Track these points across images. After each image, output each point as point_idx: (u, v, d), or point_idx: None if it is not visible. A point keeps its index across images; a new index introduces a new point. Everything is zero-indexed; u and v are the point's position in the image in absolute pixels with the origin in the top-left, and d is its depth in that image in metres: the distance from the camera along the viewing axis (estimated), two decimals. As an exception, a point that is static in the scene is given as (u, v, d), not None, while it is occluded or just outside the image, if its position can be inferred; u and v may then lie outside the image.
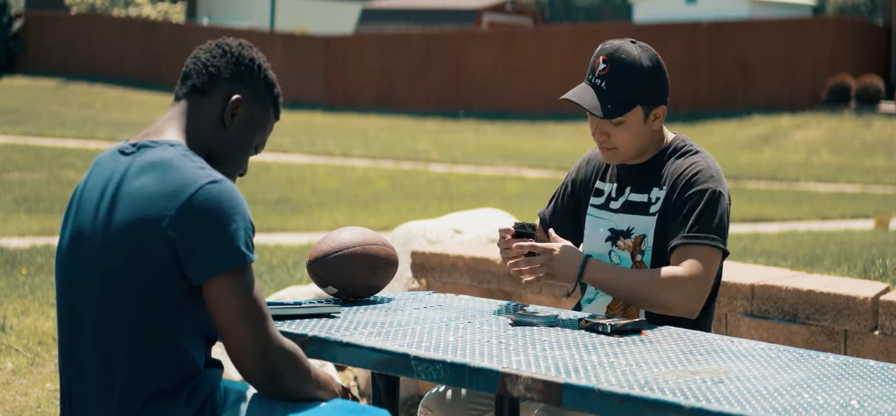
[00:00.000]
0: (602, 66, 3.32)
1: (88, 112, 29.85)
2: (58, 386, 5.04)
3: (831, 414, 2.33)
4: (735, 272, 4.48)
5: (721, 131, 28.77)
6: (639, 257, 3.36)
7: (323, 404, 2.66)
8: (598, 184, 3.51)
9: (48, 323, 6.39)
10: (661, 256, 3.33)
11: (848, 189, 19.10)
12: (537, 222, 3.61)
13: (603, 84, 3.32)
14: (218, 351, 4.18)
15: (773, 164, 23.06)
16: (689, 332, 3.12)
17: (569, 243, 3.31)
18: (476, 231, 5.55)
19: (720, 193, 3.31)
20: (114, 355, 2.58)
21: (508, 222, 5.66)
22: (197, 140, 2.70)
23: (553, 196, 3.64)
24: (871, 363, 2.81)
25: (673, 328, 3.15)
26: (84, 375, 2.63)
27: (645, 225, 3.36)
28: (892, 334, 4.01)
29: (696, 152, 3.39)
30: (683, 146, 3.41)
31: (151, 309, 2.56)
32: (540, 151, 23.99)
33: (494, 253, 5.01)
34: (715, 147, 26.28)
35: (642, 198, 3.39)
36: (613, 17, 55.03)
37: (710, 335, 3.09)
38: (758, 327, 4.26)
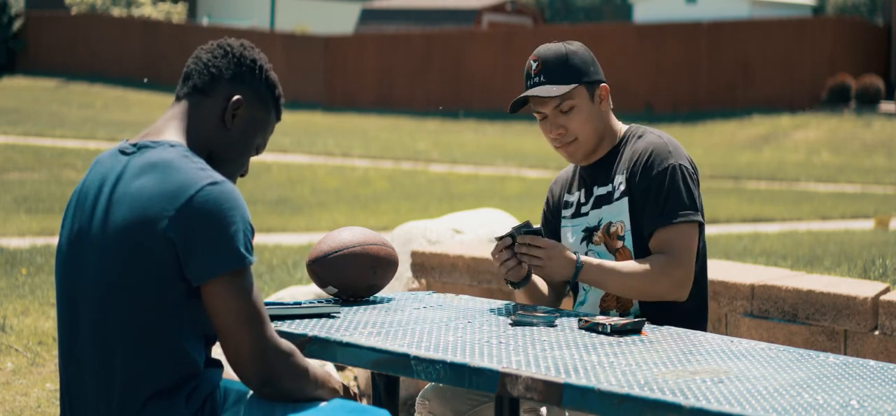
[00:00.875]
0: (534, 65, 3.46)
1: (88, 112, 29.85)
2: (58, 386, 5.04)
3: (831, 414, 2.33)
4: (735, 272, 4.48)
5: (721, 131, 28.77)
6: (619, 244, 3.42)
7: (323, 404, 2.66)
8: (566, 197, 3.59)
9: (48, 323, 6.39)
10: (641, 238, 3.40)
11: (848, 189, 19.10)
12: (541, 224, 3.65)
13: (541, 79, 3.44)
14: (218, 351, 4.18)
15: (773, 164, 23.05)
16: (689, 332, 3.12)
17: (565, 247, 3.38)
18: (476, 231, 5.55)
19: (681, 165, 3.37)
20: (113, 354, 2.58)
21: (508, 222, 5.67)
22: (197, 141, 2.69)
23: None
24: (871, 363, 2.81)
25: (673, 328, 3.16)
26: (84, 374, 2.63)
27: (611, 213, 3.43)
28: (892, 334, 4.01)
29: (651, 133, 3.47)
30: (637, 131, 3.50)
31: (151, 309, 2.56)
32: (540, 151, 23.99)
33: (494, 253, 5.01)
34: (715, 147, 26.28)
35: (607, 189, 3.46)
36: (613, 17, 55.03)
37: (710, 335, 3.09)
38: (758, 327, 4.26)
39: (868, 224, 13.76)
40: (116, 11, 42.17)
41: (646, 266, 3.32)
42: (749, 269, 4.61)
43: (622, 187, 3.41)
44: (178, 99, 2.74)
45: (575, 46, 3.46)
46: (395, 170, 20.25)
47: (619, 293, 3.37)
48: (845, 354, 3.96)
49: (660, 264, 3.32)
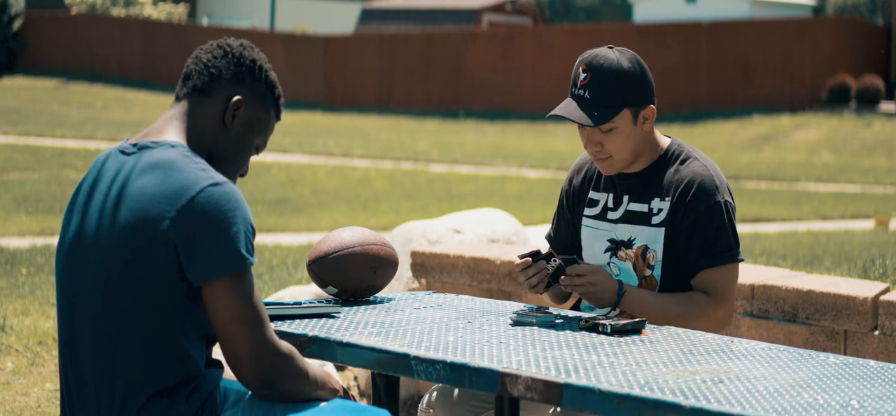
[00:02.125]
0: (582, 75, 3.30)
1: (88, 112, 29.84)
2: (58, 386, 5.04)
3: (831, 414, 2.33)
4: (735, 272, 4.47)
5: (721, 131, 28.77)
6: (648, 272, 3.35)
7: (323, 404, 2.66)
8: (592, 194, 3.49)
9: (48, 323, 6.39)
10: (672, 270, 3.33)
11: (848, 189, 19.10)
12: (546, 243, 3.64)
13: (586, 93, 3.29)
14: (218, 351, 4.18)
15: (773, 164, 23.06)
16: (689, 332, 3.12)
17: (605, 271, 3.31)
18: (476, 231, 5.55)
19: (726, 202, 3.31)
20: (114, 354, 2.58)
21: (509, 222, 5.66)
22: (198, 141, 2.69)
23: (555, 214, 3.63)
24: (871, 363, 2.81)
25: (673, 328, 3.15)
26: (84, 375, 2.63)
27: (647, 236, 3.35)
28: (892, 334, 4.01)
29: (696, 160, 3.36)
30: (682, 153, 3.39)
31: (152, 309, 2.56)
32: (540, 151, 23.99)
33: (494, 253, 5.01)
34: (715, 147, 26.27)
35: (642, 207, 3.37)
36: (613, 17, 55.03)
37: (710, 335, 3.09)
38: (758, 327, 4.26)
39: (868, 224, 13.76)
40: (116, 11, 42.17)
41: (688, 303, 3.28)
42: (749, 269, 4.61)
43: (663, 216, 3.32)
44: (178, 99, 2.74)
45: (628, 61, 3.30)
46: (395, 170, 20.25)
47: (657, 324, 3.26)
48: (845, 354, 3.96)
49: (702, 303, 3.28)
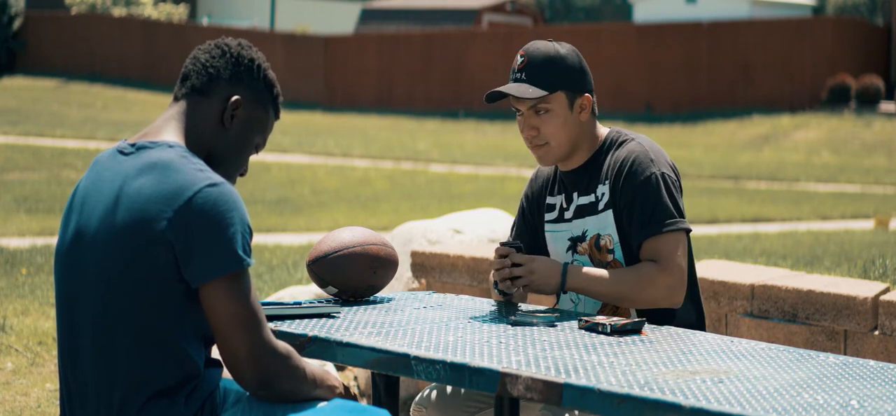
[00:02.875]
0: (519, 60, 3.41)
1: (88, 112, 29.85)
2: (58, 386, 5.04)
3: (831, 414, 2.33)
4: (735, 272, 4.48)
5: (721, 131, 28.77)
6: (610, 258, 3.38)
7: (323, 403, 2.66)
8: (549, 199, 3.54)
9: (48, 323, 6.39)
10: (630, 249, 3.36)
11: (848, 189, 19.10)
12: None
13: (523, 76, 3.39)
14: (216, 352, 4.18)
15: (773, 164, 23.06)
16: (689, 332, 3.12)
17: (546, 257, 3.36)
18: (476, 231, 5.55)
19: (663, 173, 3.33)
20: (113, 355, 2.58)
21: (509, 222, 5.67)
22: (196, 141, 2.69)
23: (514, 221, 3.67)
24: (871, 363, 2.81)
25: (673, 328, 3.15)
26: (83, 375, 2.63)
27: (596, 224, 3.39)
28: (892, 334, 4.01)
29: (631, 140, 3.41)
30: (618, 138, 3.44)
31: (151, 310, 2.56)
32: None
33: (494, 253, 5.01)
34: (715, 147, 26.28)
35: (590, 198, 3.42)
36: (613, 17, 55.03)
37: (710, 335, 3.09)
38: (758, 327, 4.26)
39: (868, 224, 13.76)
40: (116, 11, 42.17)
41: (635, 273, 3.29)
42: (749, 269, 4.61)
43: (606, 199, 3.37)
44: (177, 99, 2.74)
45: (566, 51, 3.40)
46: (395, 170, 20.25)
47: (610, 301, 3.32)
48: (845, 354, 3.96)
49: (649, 270, 3.28)
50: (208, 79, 2.71)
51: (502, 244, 3.34)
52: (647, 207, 3.29)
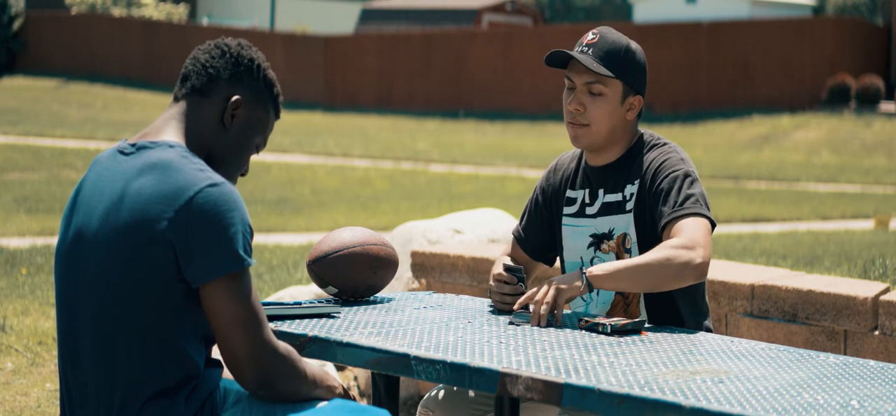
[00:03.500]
0: (591, 36, 3.39)
1: (88, 112, 29.85)
2: (58, 386, 5.04)
3: (831, 414, 2.33)
4: (735, 272, 4.48)
5: (721, 131, 28.77)
6: (626, 256, 3.35)
7: (323, 403, 2.66)
8: (569, 193, 3.50)
9: (48, 323, 6.39)
10: (645, 247, 3.31)
11: (848, 189, 19.10)
12: (507, 245, 3.63)
13: (590, 51, 3.36)
14: (217, 352, 4.18)
15: (773, 164, 23.06)
16: (689, 332, 3.12)
17: (561, 275, 3.23)
18: (476, 231, 5.55)
19: (693, 174, 3.32)
20: (113, 355, 2.58)
21: (509, 222, 5.67)
22: (197, 141, 2.69)
23: (524, 211, 3.62)
24: (871, 363, 2.81)
25: (673, 329, 3.15)
26: (83, 375, 2.63)
27: (624, 223, 3.36)
28: (892, 334, 4.01)
29: (664, 144, 3.41)
30: (651, 140, 3.43)
31: (151, 310, 2.56)
32: (540, 151, 23.99)
33: (494, 253, 5.01)
34: (715, 147, 26.28)
35: (617, 197, 3.39)
36: (613, 17, 55.05)
37: (710, 336, 3.09)
38: (758, 327, 4.26)
39: (868, 224, 13.76)
40: (116, 11, 42.17)
41: (658, 250, 3.16)
42: (749, 269, 4.61)
43: (634, 198, 3.34)
44: (177, 100, 2.74)
45: (635, 48, 3.39)
46: (395, 170, 20.25)
47: (638, 285, 3.18)
48: (845, 354, 3.96)
49: (673, 244, 3.15)
50: (208, 79, 2.71)
51: (506, 268, 3.31)
52: (677, 195, 3.26)
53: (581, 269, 3.18)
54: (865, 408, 2.37)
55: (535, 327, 3.08)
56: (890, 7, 34.68)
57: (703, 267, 3.16)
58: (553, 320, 3.11)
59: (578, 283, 3.13)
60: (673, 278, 3.15)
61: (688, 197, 3.26)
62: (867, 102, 29.17)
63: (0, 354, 5.82)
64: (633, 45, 3.39)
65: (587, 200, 3.44)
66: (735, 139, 27.78)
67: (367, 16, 43.53)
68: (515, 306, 3.17)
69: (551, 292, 3.11)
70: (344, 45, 37.30)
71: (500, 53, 34.44)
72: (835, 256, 8.46)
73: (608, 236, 3.38)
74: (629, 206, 3.35)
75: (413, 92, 35.69)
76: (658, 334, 3.05)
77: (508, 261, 3.45)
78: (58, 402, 4.99)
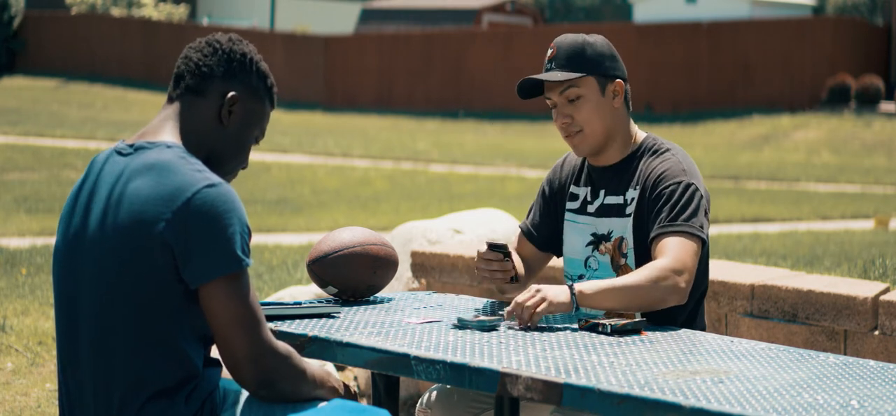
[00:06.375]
0: (550, 51, 3.41)
1: (88, 112, 29.84)
2: (57, 386, 5.04)
3: (831, 414, 2.33)
4: (735, 272, 4.47)
5: (721, 131, 28.77)
6: (622, 261, 3.35)
7: (323, 403, 2.66)
8: (573, 188, 3.50)
9: (48, 323, 6.39)
10: (644, 256, 3.31)
11: (848, 189, 19.10)
12: (514, 239, 3.63)
13: (552, 65, 3.38)
14: (216, 351, 4.18)
15: (773, 164, 23.06)
16: (689, 332, 3.12)
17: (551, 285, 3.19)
18: (476, 231, 5.55)
19: (692, 184, 3.29)
20: (112, 356, 2.58)
21: (509, 222, 5.67)
22: (195, 141, 2.69)
23: (532, 206, 3.63)
24: (871, 363, 2.81)
25: (673, 329, 3.15)
26: (82, 375, 2.63)
27: (622, 227, 3.36)
28: (892, 334, 4.01)
29: (667, 150, 3.39)
30: (654, 145, 3.42)
31: (149, 311, 2.56)
32: (540, 151, 23.98)
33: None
34: (715, 147, 26.27)
35: (618, 200, 3.39)
36: (613, 17, 55.04)
37: (710, 335, 3.09)
38: (758, 327, 4.26)
39: (868, 224, 13.76)
40: (116, 11, 42.17)
41: (642, 276, 3.17)
42: (749, 269, 4.61)
43: (634, 204, 3.34)
44: (172, 100, 2.73)
45: (594, 39, 3.40)
46: (395, 170, 20.25)
47: (622, 308, 3.19)
48: (845, 354, 3.96)
49: (658, 265, 3.17)
50: (202, 78, 2.71)
51: (489, 246, 3.32)
52: (666, 207, 3.25)
53: (570, 285, 3.14)
54: (865, 408, 2.37)
55: (536, 328, 3.07)
56: (890, 7, 34.68)
57: (686, 292, 3.20)
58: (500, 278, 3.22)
59: (567, 300, 3.11)
60: (659, 302, 3.18)
61: (682, 212, 3.25)
62: (867, 102, 29.16)
63: (0, 354, 5.82)
64: (591, 37, 3.40)
65: (588, 199, 3.45)
66: (735, 139, 27.78)
67: (367, 16, 43.52)
68: (505, 314, 3.13)
69: (541, 306, 3.07)
70: (344, 45, 37.30)
71: (500, 53, 34.44)
72: (835, 256, 8.46)
73: (607, 237, 3.39)
74: (629, 210, 3.35)
75: (413, 92, 35.69)
76: (658, 334, 3.05)
77: (495, 240, 3.43)
78: (57, 402, 4.99)
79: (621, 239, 3.36)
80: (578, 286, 3.13)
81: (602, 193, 3.42)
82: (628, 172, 3.39)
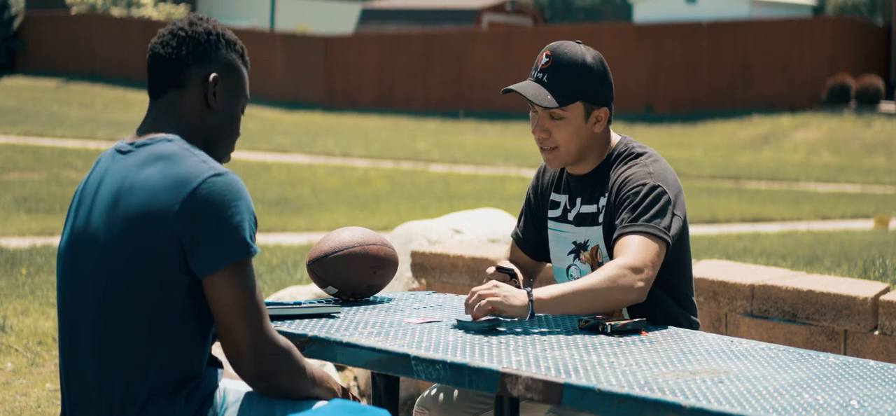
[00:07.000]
0: (544, 60, 3.34)
1: (88, 112, 29.84)
2: (58, 386, 5.04)
3: (831, 414, 2.33)
4: (735, 272, 4.48)
5: (721, 131, 28.77)
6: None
7: (323, 403, 2.66)
8: (554, 196, 3.50)
9: (48, 323, 6.39)
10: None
11: (848, 189, 19.10)
12: (507, 248, 3.63)
13: (545, 78, 3.32)
14: (217, 350, 4.18)
15: (773, 164, 23.06)
16: (689, 332, 3.12)
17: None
18: (476, 231, 5.55)
19: (658, 186, 3.25)
20: (114, 354, 2.58)
21: (508, 222, 5.67)
22: (190, 130, 2.71)
23: (520, 213, 3.62)
24: (871, 363, 2.81)
25: (673, 328, 3.15)
26: (84, 375, 2.63)
27: (596, 235, 3.36)
28: (892, 334, 4.01)
29: (637, 156, 3.35)
30: (626, 150, 3.38)
31: (152, 308, 2.57)
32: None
33: (494, 253, 5.01)
34: (715, 147, 26.28)
35: (592, 208, 3.38)
36: (613, 17, 55.04)
37: (710, 335, 3.09)
38: (758, 327, 4.26)
39: (868, 224, 13.76)
40: (116, 11, 42.17)
41: (596, 277, 3.11)
42: (749, 269, 4.61)
43: (605, 211, 3.33)
44: (155, 98, 2.74)
45: (592, 59, 3.32)
46: (395, 170, 20.25)
47: (584, 311, 3.12)
48: (845, 354, 3.96)
49: (618, 264, 3.12)
50: (177, 69, 2.71)
51: (498, 269, 3.29)
52: (632, 209, 3.22)
53: (529, 291, 3.09)
54: (865, 408, 2.37)
55: (536, 328, 3.07)
56: (890, 7, 34.68)
57: (644, 290, 3.14)
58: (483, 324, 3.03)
59: (521, 305, 3.05)
60: (618, 301, 3.13)
61: (643, 213, 3.21)
62: (867, 102, 29.17)
63: (0, 354, 5.82)
64: (590, 57, 3.32)
65: (567, 207, 3.45)
66: (735, 139, 27.78)
67: (367, 16, 43.52)
68: (465, 304, 3.09)
69: (494, 300, 3.03)
70: (344, 45, 37.30)
71: (500, 53, 34.44)
72: (835, 256, 8.46)
73: (584, 246, 3.39)
74: (600, 218, 3.35)
75: (413, 92, 35.69)
76: (658, 334, 3.05)
77: (504, 263, 3.43)
78: (58, 402, 4.99)
79: (596, 247, 3.36)
80: (536, 292, 3.09)
81: (578, 201, 3.42)
82: (601, 180, 3.38)
